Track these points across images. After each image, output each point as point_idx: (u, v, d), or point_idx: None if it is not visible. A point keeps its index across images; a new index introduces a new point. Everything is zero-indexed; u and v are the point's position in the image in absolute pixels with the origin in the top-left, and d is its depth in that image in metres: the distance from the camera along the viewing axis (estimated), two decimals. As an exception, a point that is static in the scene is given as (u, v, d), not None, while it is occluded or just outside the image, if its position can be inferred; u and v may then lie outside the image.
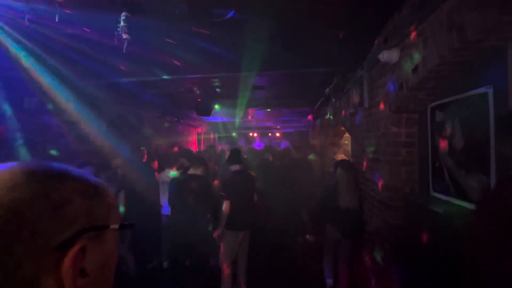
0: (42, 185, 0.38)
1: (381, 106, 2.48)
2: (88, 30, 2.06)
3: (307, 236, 4.55)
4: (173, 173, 3.78)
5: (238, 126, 10.64)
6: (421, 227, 2.02)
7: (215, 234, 3.07)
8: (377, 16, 2.14)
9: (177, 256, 3.51)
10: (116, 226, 0.43)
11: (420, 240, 2.01)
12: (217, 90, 4.32)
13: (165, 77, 3.36)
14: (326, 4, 1.96)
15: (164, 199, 3.68)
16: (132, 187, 3.35)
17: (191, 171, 3.19)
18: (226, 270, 3.07)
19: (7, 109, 2.87)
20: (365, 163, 3.04)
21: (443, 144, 1.93)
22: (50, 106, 3.23)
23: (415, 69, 1.81)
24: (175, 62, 2.89)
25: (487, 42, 1.32)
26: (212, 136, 11.93)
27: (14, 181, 0.37)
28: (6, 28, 2.11)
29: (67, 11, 1.81)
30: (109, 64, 2.81)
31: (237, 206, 2.99)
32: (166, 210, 3.65)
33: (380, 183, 2.54)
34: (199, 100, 4.35)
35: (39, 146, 3.17)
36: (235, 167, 3.22)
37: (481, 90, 1.55)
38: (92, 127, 4.07)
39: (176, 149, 5.77)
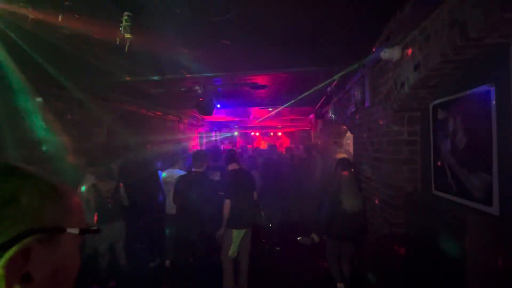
0: None
1: (383, 104, 2.47)
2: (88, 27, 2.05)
3: (312, 235, 4.55)
4: (163, 174, 3.80)
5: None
6: (423, 226, 2.01)
7: (217, 233, 3.09)
8: (379, 14, 2.13)
9: (180, 254, 3.54)
10: (75, 230, 0.40)
11: (421, 238, 2.01)
12: (219, 89, 4.34)
13: (168, 76, 3.38)
14: (327, 2, 1.96)
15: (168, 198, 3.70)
16: (130, 182, 3.38)
17: (195, 169, 3.22)
18: (227, 268, 3.09)
19: None
20: (366, 162, 3.03)
21: (445, 143, 1.92)
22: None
23: (417, 67, 1.81)
24: (177, 61, 2.90)
25: (489, 39, 1.31)
26: (214, 135, 11.95)
27: None
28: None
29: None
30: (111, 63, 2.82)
31: (237, 205, 3.01)
32: (169, 209, 3.67)
33: (382, 182, 2.54)
34: (201, 99, 4.36)
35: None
36: (233, 166, 3.25)
37: (484, 88, 1.54)
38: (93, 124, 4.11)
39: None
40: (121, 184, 3.28)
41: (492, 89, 1.48)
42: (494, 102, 1.47)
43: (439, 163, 2.01)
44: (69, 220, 0.41)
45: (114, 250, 3.29)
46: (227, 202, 3.01)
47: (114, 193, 3.19)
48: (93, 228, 0.44)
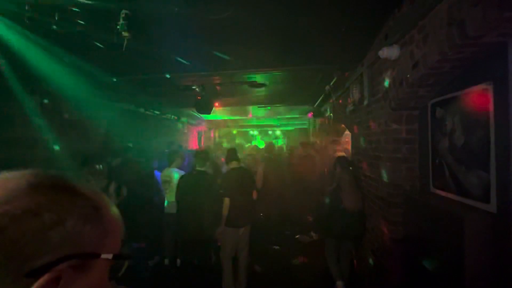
0: (38, 201, 0.35)
1: (382, 103, 2.48)
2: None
3: (311, 233, 4.57)
4: (164, 173, 3.78)
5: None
6: (421, 224, 2.03)
7: (217, 232, 3.09)
8: (378, 12, 2.13)
9: (180, 253, 3.54)
10: (108, 255, 0.39)
11: (419, 236, 2.02)
12: (217, 87, 4.32)
13: (167, 75, 3.36)
14: (326, 0, 1.95)
15: (166, 197, 3.70)
16: (125, 181, 3.36)
17: (197, 168, 3.23)
18: (227, 267, 3.10)
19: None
20: (365, 160, 3.04)
21: (443, 141, 1.93)
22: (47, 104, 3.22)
23: (415, 66, 1.81)
24: (174, 59, 2.88)
25: (487, 38, 1.31)
26: (212, 134, 11.93)
27: (15, 193, 0.35)
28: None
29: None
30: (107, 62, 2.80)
31: (236, 203, 3.02)
32: (167, 208, 3.67)
33: (380, 180, 2.55)
34: (199, 98, 4.35)
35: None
36: (232, 165, 3.26)
37: (482, 86, 1.55)
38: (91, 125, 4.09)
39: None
40: (112, 182, 3.22)
41: (490, 87, 1.48)
42: (492, 101, 1.47)
43: (437, 161, 2.02)
44: (105, 244, 0.40)
45: None
46: (227, 200, 3.02)
47: (105, 192, 3.15)
48: (127, 254, 0.43)
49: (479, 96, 1.57)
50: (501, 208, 1.43)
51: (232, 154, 3.37)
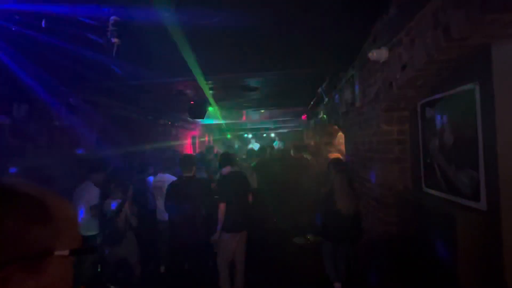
0: None
1: (373, 104, 2.51)
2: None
3: (308, 236, 4.57)
4: (157, 179, 3.74)
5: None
6: (415, 223, 2.04)
7: (212, 238, 3.05)
8: (366, 16, 2.17)
9: (175, 259, 3.49)
10: (64, 252, 0.39)
11: (413, 236, 2.04)
12: (210, 92, 4.32)
13: (157, 80, 3.34)
14: (316, 5, 1.98)
15: (158, 204, 3.66)
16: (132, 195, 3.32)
17: (186, 174, 3.17)
18: (224, 272, 3.07)
19: None
20: (358, 162, 3.07)
21: (434, 141, 1.96)
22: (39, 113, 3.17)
23: (403, 68, 1.84)
24: (167, 64, 2.88)
25: (471, 40, 1.35)
26: (206, 139, 11.89)
27: None
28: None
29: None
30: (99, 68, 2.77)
31: (232, 208, 2.99)
32: (160, 215, 3.63)
33: (373, 181, 2.57)
34: (192, 102, 4.34)
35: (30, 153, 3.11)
36: (227, 169, 3.22)
37: (468, 86, 1.58)
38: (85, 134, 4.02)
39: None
40: (127, 202, 3.03)
41: (476, 87, 1.52)
42: (478, 100, 1.51)
43: (428, 161, 2.05)
44: (60, 241, 0.39)
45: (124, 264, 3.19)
46: (222, 205, 2.98)
47: (118, 213, 2.95)
48: (87, 248, 0.42)
49: (466, 96, 1.61)
50: (490, 206, 1.45)
51: (226, 158, 3.32)
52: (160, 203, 3.59)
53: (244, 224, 3.12)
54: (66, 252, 0.39)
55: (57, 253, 0.38)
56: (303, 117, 8.33)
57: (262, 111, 7.19)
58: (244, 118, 8.86)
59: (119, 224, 2.96)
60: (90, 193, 3.08)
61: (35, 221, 0.37)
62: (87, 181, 3.14)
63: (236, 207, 3.02)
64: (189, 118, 6.17)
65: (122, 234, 2.99)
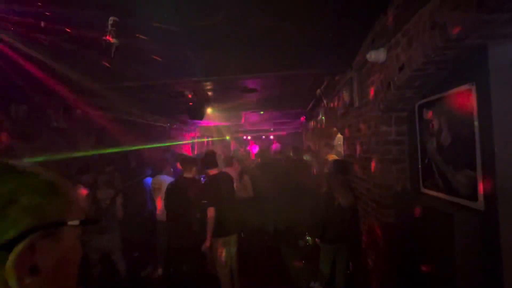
0: None
1: (371, 105, 2.52)
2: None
3: (307, 238, 4.55)
4: (154, 181, 3.73)
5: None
6: (413, 224, 2.04)
7: (203, 246, 2.87)
8: (364, 17, 2.18)
9: (173, 262, 3.47)
10: (75, 222, 0.43)
11: (413, 236, 2.04)
12: (209, 93, 4.33)
13: (156, 81, 3.34)
14: (314, 7, 1.99)
15: (157, 205, 3.64)
16: (126, 191, 3.32)
17: (186, 175, 3.16)
18: (226, 277, 3.00)
19: None
20: (357, 163, 3.07)
21: (431, 141, 1.97)
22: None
23: (401, 68, 1.85)
24: (167, 64, 2.88)
25: (468, 40, 1.36)
26: (205, 140, 11.88)
27: None
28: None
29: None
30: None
31: (222, 211, 2.87)
32: (158, 217, 3.61)
33: (372, 182, 2.57)
34: (191, 104, 4.34)
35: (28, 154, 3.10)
36: (213, 171, 3.08)
37: (465, 87, 1.59)
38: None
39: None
40: (119, 193, 3.13)
41: (473, 88, 1.53)
42: (475, 101, 1.52)
43: (426, 162, 2.06)
44: (70, 213, 0.44)
45: (110, 260, 3.19)
46: (212, 210, 2.81)
47: (111, 204, 3.07)
48: (93, 218, 0.47)
49: (463, 97, 1.61)
50: (488, 206, 1.46)
51: (211, 159, 3.12)
52: (159, 204, 3.58)
53: (235, 227, 3.05)
54: (77, 222, 0.43)
55: (69, 223, 0.42)
56: (302, 119, 8.35)
57: (262, 112, 7.20)
58: (243, 120, 8.87)
59: (110, 213, 3.04)
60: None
61: (46, 194, 0.42)
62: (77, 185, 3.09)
63: (225, 209, 2.89)
64: (188, 120, 6.17)
65: (110, 223, 3.06)
